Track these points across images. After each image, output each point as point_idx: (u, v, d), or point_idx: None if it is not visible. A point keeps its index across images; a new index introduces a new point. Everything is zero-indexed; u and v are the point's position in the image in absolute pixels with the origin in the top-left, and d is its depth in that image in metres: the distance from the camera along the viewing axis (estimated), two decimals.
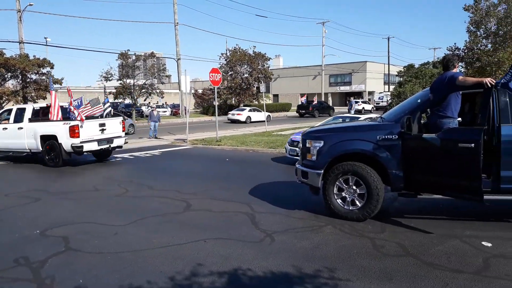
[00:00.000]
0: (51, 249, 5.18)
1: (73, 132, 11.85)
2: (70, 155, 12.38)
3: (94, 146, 12.45)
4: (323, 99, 57.81)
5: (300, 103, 44.99)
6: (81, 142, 11.96)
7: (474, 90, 5.86)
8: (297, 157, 11.25)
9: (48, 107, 13.28)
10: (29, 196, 8.31)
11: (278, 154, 14.13)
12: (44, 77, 29.52)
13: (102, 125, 12.80)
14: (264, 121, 29.31)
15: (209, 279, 4.23)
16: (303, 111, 42.10)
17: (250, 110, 36.39)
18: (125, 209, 7.16)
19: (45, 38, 41.93)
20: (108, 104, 14.16)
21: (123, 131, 13.60)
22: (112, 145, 13.08)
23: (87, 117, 12.64)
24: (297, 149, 11.31)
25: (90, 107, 13.20)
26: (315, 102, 43.88)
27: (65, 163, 12.28)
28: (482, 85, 5.36)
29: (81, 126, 11.97)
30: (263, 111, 30.04)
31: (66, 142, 11.95)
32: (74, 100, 12.57)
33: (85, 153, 12.79)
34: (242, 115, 35.22)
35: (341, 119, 12.83)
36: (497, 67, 25.20)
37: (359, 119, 11.75)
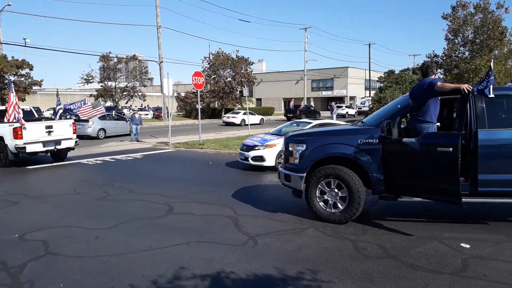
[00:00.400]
0: (31, 254, 5.08)
1: (16, 133, 12.28)
2: (18, 155, 12.60)
3: (39, 148, 12.79)
4: (305, 104, 58.32)
5: (288, 107, 46.48)
6: (24, 143, 12.32)
7: (452, 96, 6.01)
8: (247, 162, 11.45)
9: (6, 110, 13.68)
10: (6, 199, 8.13)
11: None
12: (23, 79, 28.97)
13: (49, 127, 13.14)
14: (259, 123, 32.65)
15: (192, 282, 4.21)
16: (291, 115, 43.16)
17: (244, 113, 37.00)
18: (106, 213, 7.07)
19: (24, 39, 41.10)
20: (60, 106, 14.65)
21: (74, 133, 13.84)
22: (58, 147, 13.29)
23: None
24: (245, 153, 11.56)
25: (91, 109, 13.69)
26: (303, 106, 45.88)
27: (15, 163, 12.59)
28: (459, 91, 5.50)
29: (25, 128, 12.36)
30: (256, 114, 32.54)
31: (11, 143, 12.34)
32: (78, 102, 14.33)
33: (42, 154, 13.48)
34: (237, 118, 36.45)
35: (295, 124, 13.27)
36: (474, 74, 25.85)
37: (311, 124, 12.10)
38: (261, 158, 11.22)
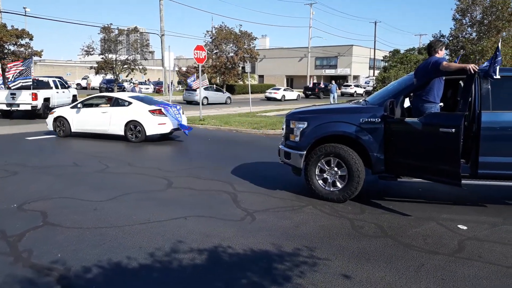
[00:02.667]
0: (29, 223, 5.10)
1: None
2: None
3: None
4: (308, 82, 57.99)
5: (307, 85, 52.21)
6: None
7: (457, 76, 5.92)
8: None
9: None
10: (6, 169, 8.14)
11: (262, 135, 14.13)
12: (22, 49, 28.65)
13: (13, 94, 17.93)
14: (296, 99, 40.23)
15: (189, 255, 4.23)
16: (309, 92, 47.78)
17: (284, 90, 43.23)
18: (105, 185, 7.08)
19: (24, 8, 40.39)
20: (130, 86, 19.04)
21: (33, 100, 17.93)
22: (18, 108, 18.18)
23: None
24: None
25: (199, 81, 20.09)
26: (322, 85, 49.56)
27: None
28: (465, 71, 5.40)
29: None
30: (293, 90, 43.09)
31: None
32: (192, 76, 23.37)
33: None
34: (278, 94, 40.86)
35: None
36: (480, 56, 25.55)
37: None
38: None
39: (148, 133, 12.03)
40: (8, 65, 18.66)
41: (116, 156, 9.75)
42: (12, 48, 28.50)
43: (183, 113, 13.19)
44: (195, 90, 28.61)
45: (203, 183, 7.27)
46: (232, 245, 4.52)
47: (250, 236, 4.79)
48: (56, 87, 20.99)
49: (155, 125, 12.12)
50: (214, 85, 38.27)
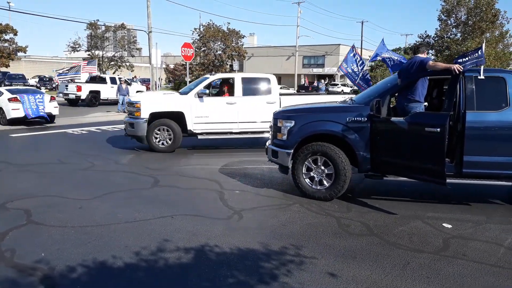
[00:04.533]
0: (12, 222, 5.01)
1: None
2: None
3: None
4: (296, 81, 58.24)
5: (301, 84, 54.99)
6: None
7: (442, 76, 5.99)
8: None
9: None
10: None
11: None
12: (6, 44, 28.15)
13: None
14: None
15: (175, 254, 4.21)
16: (303, 91, 48.44)
17: (281, 88, 46.04)
18: (90, 183, 7.00)
19: (8, 2, 39.69)
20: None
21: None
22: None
23: None
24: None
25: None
26: (315, 83, 50.97)
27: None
28: (450, 71, 5.47)
29: None
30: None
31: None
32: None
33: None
34: None
35: None
36: None
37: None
38: None
39: (8, 117, 14.17)
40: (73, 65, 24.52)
41: (102, 154, 9.64)
42: None
43: (49, 101, 14.89)
44: None
45: (190, 182, 7.24)
46: (219, 243, 4.51)
47: (237, 235, 4.78)
48: (113, 83, 25.45)
49: (10, 111, 14.15)
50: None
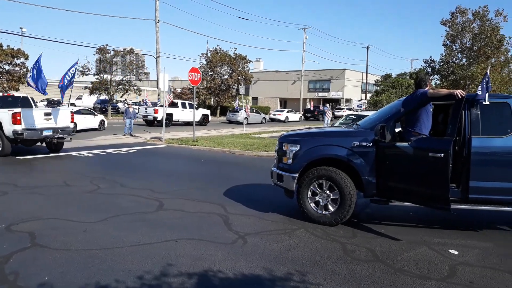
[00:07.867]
0: (16, 245, 5.01)
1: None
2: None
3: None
4: (301, 105, 58.63)
5: (306, 108, 55.67)
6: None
7: (445, 101, 6.02)
8: None
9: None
10: None
11: (255, 157, 14.14)
12: (17, 68, 28.72)
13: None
14: (298, 121, 43.22)
15: (178, 279, 4.18)
16: (309, 115, 50.29)
17: (288, 112, 46.15)
18: (95, 206, 7.01)
19: (20, 28, 40.70)
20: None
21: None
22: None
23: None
24: None
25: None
26: (321, 108, 52.21)
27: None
28: (453, 96, 5.51)
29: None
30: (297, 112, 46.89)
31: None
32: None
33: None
34: (282, 115, 44.04)
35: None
36: (470, 81, 26.00)
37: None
38: None
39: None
40: None
41: (107, 177, 9.68)
42: (7, 67, 28.56)
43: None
44: (238, 111, 34.77)
45: (195, 205, 7.23)
46: (223, 269, 4.47)
47: (241, 260, 4.74)
48: (183, 107, 31.17)
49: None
50: (254, 108, 42.87)
